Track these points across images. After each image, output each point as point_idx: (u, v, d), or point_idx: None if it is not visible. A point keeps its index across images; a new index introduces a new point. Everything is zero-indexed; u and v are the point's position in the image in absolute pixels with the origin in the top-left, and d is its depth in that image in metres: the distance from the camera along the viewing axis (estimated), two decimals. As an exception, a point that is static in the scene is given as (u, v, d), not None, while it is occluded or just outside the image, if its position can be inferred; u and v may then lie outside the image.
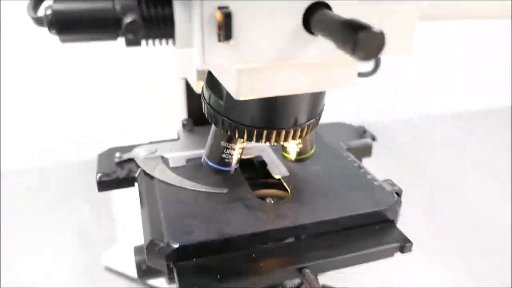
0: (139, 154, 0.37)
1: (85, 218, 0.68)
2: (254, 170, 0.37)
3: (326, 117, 0.44)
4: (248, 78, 0.24)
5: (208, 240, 0.28)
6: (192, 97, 0.42)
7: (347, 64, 0.26)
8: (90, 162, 0.52)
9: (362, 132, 0.44)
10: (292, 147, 0.34)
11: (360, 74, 0.48)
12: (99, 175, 0.35)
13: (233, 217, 0.30)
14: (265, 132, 0.28)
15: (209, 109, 0.29)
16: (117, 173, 0.36)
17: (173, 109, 0.44)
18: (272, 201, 0.34)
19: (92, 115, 0.81)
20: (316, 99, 0.29)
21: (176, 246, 0.27)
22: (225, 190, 0.33)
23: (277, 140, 0.29)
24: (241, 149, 0.32)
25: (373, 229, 0.31)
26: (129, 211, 0.55)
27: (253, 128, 0.28)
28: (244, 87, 0.24)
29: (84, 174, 0.77)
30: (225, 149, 0.31)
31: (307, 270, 0.27)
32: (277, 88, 0.25)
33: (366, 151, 0.42)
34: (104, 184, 0.36)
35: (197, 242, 0.27)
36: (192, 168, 0.36)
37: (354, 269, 0.30)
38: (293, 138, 0.29)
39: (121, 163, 0.37)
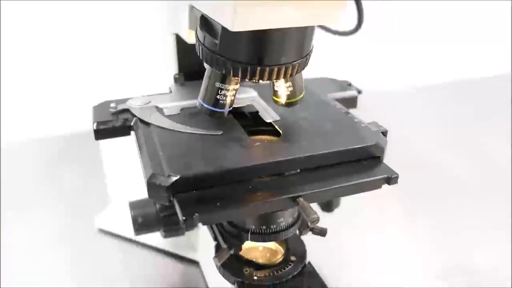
0: (133, 104, 0.39)
1: (77, 185, 0.68)
2: (246, 119, 0.39)
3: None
4: (244, 9, 0.25)
5: (207, 172, 0.29)
6: (183, 52, 0.43)
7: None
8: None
9: (347, 85, 0.46)
10: (282, 89, 0.35)
11: (343, 33, 0.50)
12: (95, 123, 0.36)
13: (229, 153, 0.32)
14: (258, 69, 0.30)
15: (204, 50, 0.30)
16: (113, 122, 0.37)
17: (165, 64, 0.45)
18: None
19: (83, 74, 0.80)
20: (304, 37, 0.30)
21: (176, 177, 0.28)
22: (220, 132, 0.34)
23: (269, 78, 0.30)
24: (234, 91, 0.33)
25: (361, 164, 0.33)
26: (121, 172, 0.56)
27: (247, 65, 0.29)
28: (239, 18, 0.25)
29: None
30: (219, 90, 0.32)
31: (301, 199, 0.29)
32: (271, 21, 0.26)
33: (351, 102, 0.44)
34: (101, 132, 0.37)
35: (197, 173, 0.29)
36: (187, 115, 0.37)
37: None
38: (284, 75, 0.31)
39: (116, 114, 0.38)
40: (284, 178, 0.31)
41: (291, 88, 0.35)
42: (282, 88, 0.35)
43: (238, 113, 0.38)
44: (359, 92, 0.46)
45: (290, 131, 0.35)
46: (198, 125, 0.35)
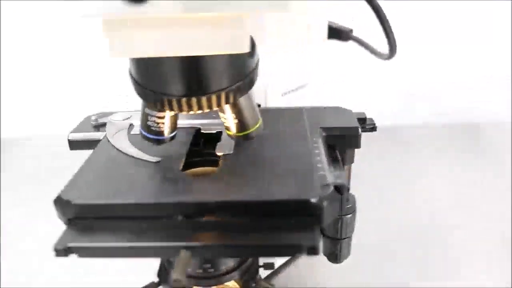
0: (113, 119, 0.39)
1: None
2: (204, 146, 0.36)
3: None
4: (119, 35, 0.23)
5: (98, 203, 0.28)
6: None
7: (232, 25, 0.23)
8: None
9: (360, 120, 0.39)
10: (230, 121, 0.31)
11: (379, 55, 0.42)
12: (70, 133, 0.38)
13: (143, 185, 0.29)
14: (183, 100, 0.27)
15: (131, 77, 0.29)
16: (86, 135, 0.38)
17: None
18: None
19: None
20: (235, 58, 0.26)
21: (69, 203, 0.27)
22: (157, 160, 0.32)
23: (200, 108, 0.27)
24: (169, 117, 0.31)
25: (286, 221, 0.27)
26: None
27: (161, 94, 0.27)
28: (116, 45, 0.23)
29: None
30: (148, 116, 0.30)
31: (183, 251, 0.25)
32: (152, 48, 0.23)
33: (352, 140, 0.37)
34: (74, 143, 0.38)
35: (89, 203, 0.28)
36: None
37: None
38: (218, 105, 0.27)
39: (98, 126, 0.39)
40: (190, 222, 0.27)
41: (235, 120, 0.31)
42: (229, 119, 0.31)
43: (211, 137, 0.36)
44: (373, 129, 0.38)
45: (232, 168, 0.31)
46: (147, 149, 0.33)
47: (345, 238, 0.41)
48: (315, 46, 0.49)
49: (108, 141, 0.35)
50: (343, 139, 0.36)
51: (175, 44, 0.23)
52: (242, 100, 0.30)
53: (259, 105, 0.42)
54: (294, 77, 0.48)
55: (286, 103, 0.48)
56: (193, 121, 0.37)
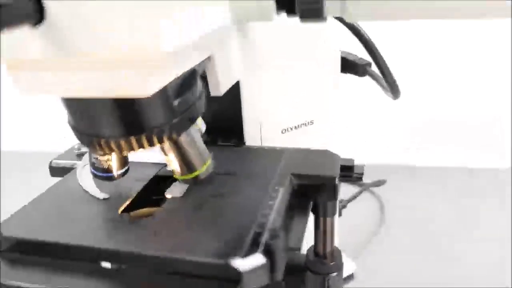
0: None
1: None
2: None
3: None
4: (21, 74, 0.22)
5: (27, 239, 0.27)
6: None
7: (133, 67, 0.21)
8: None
9: (345, 168, 0.34)
10: (173, 163, 0.29)
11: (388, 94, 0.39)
12: (53, 160, 0.39)
13: (76, 224, 0.28)
14: (95, 140, 0.25)
15: None
16: (66, 163, 0.38)
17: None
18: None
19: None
20: (161, 97, 0.24)
21: (2, 235, 0.27)
22: (104, 196, 0.31)
23: (131, 149, 0.26)
24: (116, 155, 0.29)
25: (204, 283, 0.24)
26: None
27: (92, 137, 0.26)
28: (20, 83, 0.22)
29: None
30: (92, 155, 0.29)
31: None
32: (56, 88, 0.22)
33: (327, 191, 0.32)
34: (55, 170, 0.38)
35: (18, 237, 0.27)
36: None
37: None
38: (141, 146, 0.25)
39: (80, 155, 0.39)
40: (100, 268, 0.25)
41: (179, 162, 0.29)
42: (173, 161, 0.29)
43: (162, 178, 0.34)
44: (359, 178, 0.34)
45: (169, 215, 0.28)
46: (104, 184, 0.32)
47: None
48: (325, 80, 0.46)
49: (75, 173, 0.35)
50: (317, 189, 0.32)
51: (75, 86, 0.22)
52: (183, 139, 0.28)
53: (235, 144, 0.40)
54: (299, 113, 0.45)
55: (286, 141, 0.44)
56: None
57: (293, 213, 0.31)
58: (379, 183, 0.70)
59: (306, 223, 0.31)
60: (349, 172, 0.34)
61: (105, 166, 0.30)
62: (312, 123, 0.46)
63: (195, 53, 0.26)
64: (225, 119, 0.42)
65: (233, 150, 0.38)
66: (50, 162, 0.39)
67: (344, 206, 0.58)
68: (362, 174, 0.34)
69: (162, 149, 0.29)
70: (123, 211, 0.30)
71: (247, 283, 0.23)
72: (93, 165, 0.30)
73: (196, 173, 0.29)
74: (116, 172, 0.30)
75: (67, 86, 0.22)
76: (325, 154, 0.35)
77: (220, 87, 0.34)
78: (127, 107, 0.24)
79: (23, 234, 0.27)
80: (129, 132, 0.25)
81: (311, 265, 0.36)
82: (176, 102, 0.26)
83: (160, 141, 0.26)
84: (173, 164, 0.29)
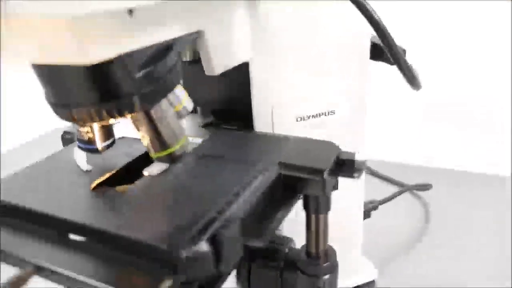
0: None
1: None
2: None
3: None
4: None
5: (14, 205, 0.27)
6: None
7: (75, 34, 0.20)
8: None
9: (342, 162, 0.30)
10: (145, 139, 0.28)
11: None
12: (64, 131, 0.40)
13: (51, 192, 0.28)
14: (68, 111, 0.25)
15: None
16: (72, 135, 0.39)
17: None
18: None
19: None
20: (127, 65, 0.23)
21: None
22: (87, 168, 0.31)
23: (84, 121, 0.25)
24: (98, 127, 0.29)
25: (143, 264, 0.22)
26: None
27: (62, 107, 0.26)
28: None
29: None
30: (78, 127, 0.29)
31: (28, 267, 0.23)
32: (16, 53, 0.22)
33: (314, 185, 0.29)
34: (65, 141, 0.40)
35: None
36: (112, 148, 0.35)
37: None
38: (101, 118, 0.25)
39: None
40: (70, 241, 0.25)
41: (147, 139, 0.27)
42: (144, 138, 0.28)
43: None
44: (354, 175, 0.30)
45: (136, 193, 0.28)
46: (94, 157, 0.33)
47: (323, 304, 0.34)
48: (350, 66, 0.42)
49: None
50: (304, 182, 0.29)
51: (21, 51, 0.21)
52: (154, 113, 0.27)
53: (238, 128, 0.38)
54: (317, 100, 0.41)
55: (301, 131, 0.41)
56: None
57: (275, 205, 0.29)
58: (424, 187, 0.64)
59: (285, 216, 0.28)
60: (347, 167, 0.30)
61: (86, 138, 0.30)
62: (333, 113, 0.42)
63: (166, 24, 0.25)
64: (233, 102, 0.41)
65: (233, 134, 0.37)
66: (62, 133, 0.40)
67: (375, 208, 0.53)
68: (361, 170, 0.30)
69: (135, 123, 0.28)
70: (99, 185, 0.29)
71: (185, 270, 0.22)
72: (77, 137, 0.30)
73: (169, 151, 0.28)
74: (99, 144, 0.30)
75: (14, 51, 0.21)
76: (326, 146, 0.32)
77: (214, 66, 0.32)
78: (93, 75, 0.24)
79: (3, 196, 0.28)
80: (98, 100, 0.25)
81: (302, 266, 0.34)
82: (143, 73, 0.25)
83: (130, 111, 0.25)
84: (145, 140, 0.28)
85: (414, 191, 0.66)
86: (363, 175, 0.47)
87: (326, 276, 0.33)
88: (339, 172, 0.30)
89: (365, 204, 0.53)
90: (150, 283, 0.21)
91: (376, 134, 0.81)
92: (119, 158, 0.33)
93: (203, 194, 0.27)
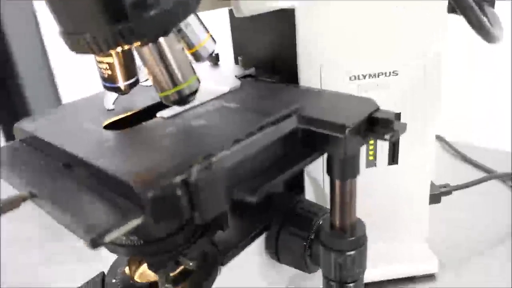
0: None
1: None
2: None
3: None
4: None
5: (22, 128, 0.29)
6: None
7: None
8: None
9: (379, 119, 0.26)
10: (150, 77, 0.26)
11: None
12: None
13: (72, 128, 0.29)
14: (76, 39, 0.25)
15: None
16: None
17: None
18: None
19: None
20: None
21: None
22: (108, 108, 0.31)
23: (93, 50, 0.24)
24: (118, 62, 0.28)
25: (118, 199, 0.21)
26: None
27: (65, 34, 0.25)
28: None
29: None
30: (97, 63, 0.29)
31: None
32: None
33: (333, 143, 0.25)
34: None
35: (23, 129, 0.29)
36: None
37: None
38: (107, 47, 0.24)
39: None
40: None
41: (152, 75, 0.26)
42: (150, 74, 0.26)
43: None
44: (386, 136, 0.25)
45: (135, 133, 0.27)
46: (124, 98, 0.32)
47: (348, 283, 0.30)
48: (420, 19, 0.35)
49: None
50: (324, 139, 0.25)
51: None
52: (162, 47, 0.25)
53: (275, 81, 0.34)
54: (376, 57, 0.36)
55: (355, 92, 0.36)
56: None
57: (286, 161, 0.25)
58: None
59: (288, 175, 0.25)
60: (380, 127, 0.25)
61: (105, 74, 0.29)
62: (396, 74, 0.37)
63: None
64: (278, 55, 0.37)
65: (264, 85, 0.34)
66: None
67: (448, 192, 0.46)
68: (396, 132, 0.25)
69: (142, 57, 0.26)
70: (112, 124, 0.29)
71: (154, 211, 0.20)
72: (99, 74, 0.30)
73: (174, 89, 0.26)
74: (121, 82, 0.29)
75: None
76: (362, 103, 0.28)
77: (241, 6, 0.29)
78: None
79: (30, 128, 0.29)
80: (106, 23, 0.23)
81: (324, 237, 0.30)
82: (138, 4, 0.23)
83: (129, 42, 0.23)
84: (151, 77, 0.26)
85: (505, 180, 0.56)
86: (434, 152, 0.41)
87: (351, 252, 0.29)
88: (369, 132, 0.26)
89: (436, 187, 0.46)
90: (119, 221, 0.20)
91: (467, 114, 0.71)
92: (148, 101, 0.32)
93: (203, 139, 0.24)
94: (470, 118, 0.73)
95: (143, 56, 0.26)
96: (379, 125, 0.26)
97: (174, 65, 0.25)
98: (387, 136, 0.25)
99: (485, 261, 0.46)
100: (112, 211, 0.20)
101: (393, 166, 0.40)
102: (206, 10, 0.32)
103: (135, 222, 0.20)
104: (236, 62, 0.39)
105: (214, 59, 0.39)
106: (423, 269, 0.43)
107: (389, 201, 0.42)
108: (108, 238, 0.19)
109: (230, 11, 0.38)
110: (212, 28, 0.31)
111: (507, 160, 0.60)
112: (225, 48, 0.42)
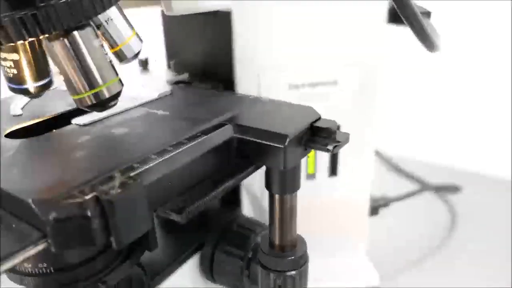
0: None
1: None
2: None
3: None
4: None
5: None
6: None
7: None
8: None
9: (322, 129, 0.24)
10: (70, 73, 0.23)
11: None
12: None
13: None
14: None
15: None
16: None
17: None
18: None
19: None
20: None
21: None
22: (15, 113, 0.27)
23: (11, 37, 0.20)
24: (18, 59, 0.24)
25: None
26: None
27: None
28: None
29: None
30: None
31: None
32: None
33: (271, 154, 0.23)
34: None
35: None
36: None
37: None
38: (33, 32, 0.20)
39: None
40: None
41: (64, 75, 0.22)
42: (62, 74, 0.23)
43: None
44: (333, 148, 0.23)
45: (45, 141, 0.23)
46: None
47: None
48: (361, 27, 0.34)
49: None
50: (261, 150, 0.23)
51: None
52: (80, 38, 0.22)
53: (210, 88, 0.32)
54: (315, 66, 0.35)
55: (294, 102, 0.35)
56: None
57: (218, 176, 0.23)
58: (452, 189, 0.55)
59: (226, 191, 0.22)
60: (322, 137, 0.24)
61: (10, 74, 0.25)
62: (336, 83, 0.36)
63: None
64: (213, 61, 0.35)
65: (197, 91, 0.31)
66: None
67: (385, 204, 0.46)
68: (338, 143, 0.23)
69: (51, 53, 0.23)
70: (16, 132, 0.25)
71: (58, 236, 0.16)
72: (3, 74, 0.25)
73: (88, 93, 0.22)
74: (30, 84, 0.25)
75: None
76: (303, 111, 0.26)
77: (172, 4, 0.27)
78: None
79: None
80: (4, 9, 0.20)
81: (262, 257, 0.27)
82: None
83: (34, 34, 0.20)
84: (62, 77, 0.23)
85: (438, 192, 0.57)
86: (372, 164, 0.40)
87: (291, 272, 0.27)
88: (311, 143, 0.24)
89: (375, 199, 0.46)
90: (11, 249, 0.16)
91: (402, 127, 0.73)
92: (65, 107, 0.28)
93: (123, 150, 0.21)
94: (406, 131, 0.75)
95: (53, 52, 0.22)
96: (321, 135, 0.24)
97: (90, 64, 0.22)
98: (330, 147, 0.23)
99: (423, 271, 0.46)
100: (5, 237, 0.17)
101: (333, 179, 0.39)
102: (132, 7, 0.29)
103: (31, 251, 0.16)
104: (169, 67, 0.36)
105: (144, 64, 0.36)
106: (365, 283, 0.42)
107: (329, 215, 0.40)
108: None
109: (163, 12, 0.35)
110: (143, 30, 0.28)
111: (441, 173, 0.62)
112: (157, 53, 0.39)
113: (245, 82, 0.33)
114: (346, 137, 0.24)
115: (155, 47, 0.37)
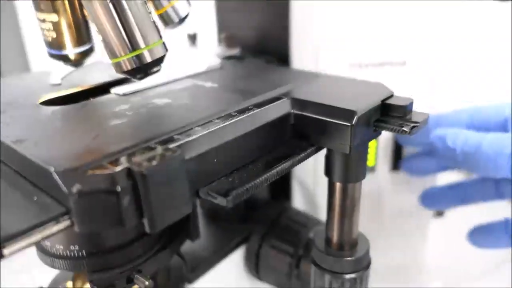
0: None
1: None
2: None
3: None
4: None
5: None
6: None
7: None
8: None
9: (395, 107, 0.20)
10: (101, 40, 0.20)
11: None
12: None
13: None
14: None
15: None
16: None
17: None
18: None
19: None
20: None
21: None
22: (54, 82, 0.25)
23: None
24: (58, 20, 0.22)
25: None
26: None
27: None
28: None
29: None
30: (39, 22, 0.23)
31: None
32: None
33: (335, 133, 0.19)
34: None
35: None
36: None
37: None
38: None
39: None
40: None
41: (103, 37, 0.20)
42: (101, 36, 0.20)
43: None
44: (410, 129, 0.19)
45: (72, 111, 0.21)
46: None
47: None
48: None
49: None
50: (322, 128, 0.19)
51: None
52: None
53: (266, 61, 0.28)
54: (379, 44, 0.30)
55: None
56: None
57: (270, 156, 0.19)
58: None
59: (275, 175, 0.19)
60: (396, 117, 0.20)
61: (49, 38, 0.23)
62: (404, 64, 0.31)
63: None
64: (268, 35, 0.31)
65: (252, 65, 0.28)
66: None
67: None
68: (416, 124, 0.19)
69: (91, 14, 0.20)
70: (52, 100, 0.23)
71: (81, 211, 0.14)
72: (43, 39, 0.24)
73: (128, 55, 0.20)
74: (70, 50, 0.23)
75: None
76: (372, 88, 0.22)
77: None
78: None
79: None
80: None
81: (316, 256, 0.24)
82: None
83: None
84: (101, 40, 0.20)
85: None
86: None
87: (351, 275, 0.23)
88: (382, 123, 0.20)
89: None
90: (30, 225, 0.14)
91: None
92: (103, 76, 0.26)
93: (162, 120, 0.19)
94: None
95: (92, 8, 0.20)
96: (394, 115, 0.20)
97: (131, 22, 0.19)
98: (406, 128, 0.19)
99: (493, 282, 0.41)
100: (23, 211, 0.14)
101: (395, 173, 0.35)
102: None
103: (53, 228, 0.14)
104: (220, 41, 0.34)
105: (192, 38, 0.33)
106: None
107: (388, 213, 0.36)
108: (9, 250, 0.13)
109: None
110: (193, 4, 0.25)
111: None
112: (207, 29, 0.36)
113: (302, 59, 0.30)
114: (425, 118, 0.20)
115: (205, 21, 0.34)
